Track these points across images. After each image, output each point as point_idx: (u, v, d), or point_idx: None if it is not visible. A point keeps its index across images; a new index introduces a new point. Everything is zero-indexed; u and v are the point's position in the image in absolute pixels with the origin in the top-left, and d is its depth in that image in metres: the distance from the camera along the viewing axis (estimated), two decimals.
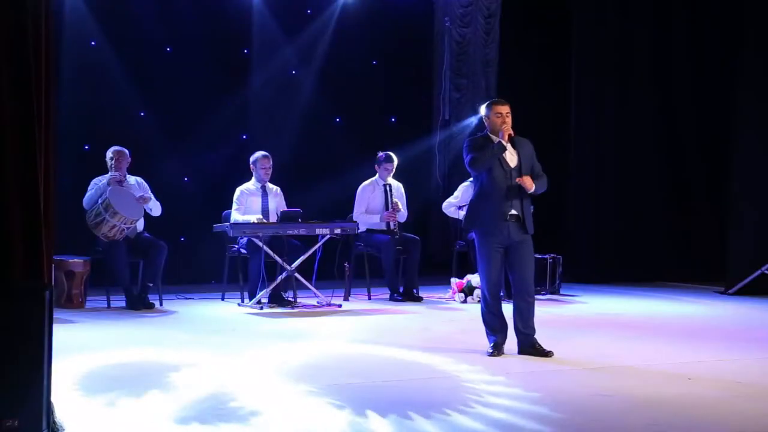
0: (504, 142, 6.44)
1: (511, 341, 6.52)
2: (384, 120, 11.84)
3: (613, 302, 9.63)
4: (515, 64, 12.54)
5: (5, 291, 3.97)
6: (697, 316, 8.87)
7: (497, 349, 6.44)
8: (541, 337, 6.67)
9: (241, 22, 10.99)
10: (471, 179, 10.02)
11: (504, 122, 6.49)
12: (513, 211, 6.43)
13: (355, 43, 11.59)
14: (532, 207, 6.63)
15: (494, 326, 6.51)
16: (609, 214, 11.81)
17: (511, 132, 6.49)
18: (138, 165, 8.92)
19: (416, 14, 12.23)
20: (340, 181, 11.08)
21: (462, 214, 9.88)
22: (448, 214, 10.16)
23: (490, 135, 6.54)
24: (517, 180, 6.42)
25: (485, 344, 6.65)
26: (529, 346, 6.45)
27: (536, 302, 8.37)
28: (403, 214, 9.79)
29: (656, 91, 12.05)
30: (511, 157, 6.48)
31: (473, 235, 6.64)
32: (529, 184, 6.43)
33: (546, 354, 6.39)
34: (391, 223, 9.72)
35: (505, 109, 6.54)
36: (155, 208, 8.79)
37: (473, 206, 6.60)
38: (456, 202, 10.00)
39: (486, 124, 6.60)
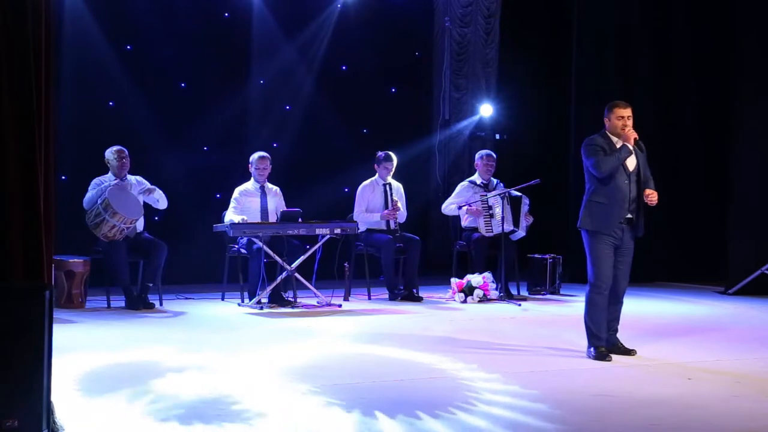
0: (630, 146, 6.38)
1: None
2: (384, 120, 11.83)
3: None
4: (515, 64, 12.55)
5: (5, 291, 3.97)
6: (697, 316, 8.87)
7: (608, 354, 6.37)
8: (541, 337, 6.68)
9: (241, 22, 10.99)
10: (469, 180, 10.15)
11: (626, 125, 6.42)
12: (629, 215, 6.42)
13: (355, 43, 11.59)
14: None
15: (602, 326, 6.40)
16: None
17: (636, 136, 6.42)
18: (138, 165, 8.92)
19: (416, 14, 12.23)
20: (340, 181, 11.09)
21: (465, 209, 9.90)
22: (448, 213, 10.15)
23: (609, 135, 6.48)
24: (647, 192, 6.39)
25: (484, 344, 6.66)
26: (611, 345, 6.47)
27: (536, 302, 8.40)
28: (402, 214, 9.79)
29: (657, 91, 12.04)
30: (631, 161, 6.43)
31: (587, 234, 6.45)
32: (655, 199, 6.41)
33: (629, 353, 6.44)
34: (392, 222, 9.72)
35: (627, 113, 6.46)
36: (162, 200, 8.80)
37: (590, 206, 6.46)
38: (455, 201, 10.00)
39: (605, 124, 6.52)
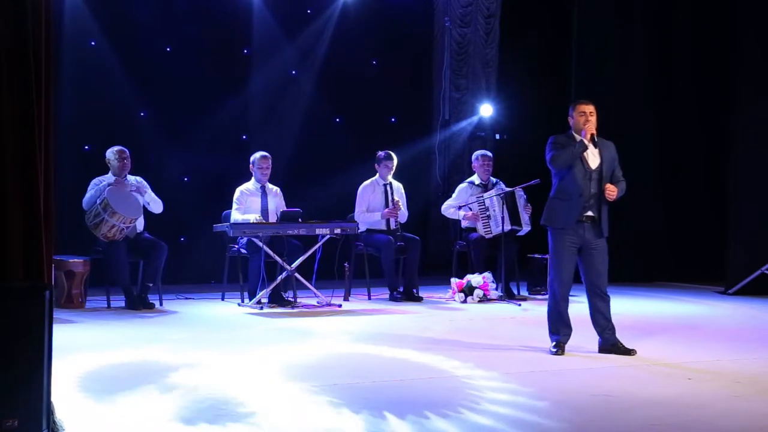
0: (586, 141, 6.41)
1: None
2: (384, 120, 11.83)
3: (614, 302, 9.52)
4: (515, 64, 12.55)
5: (5, 291, 3.97)
6: (697, 316, 8.86)
7: (560, 348, 6.44)
8: (541, 337, 6.67)
9: (241, 22, 10.99)
10: (468, 181, 10.14)
11: (587, 121, 6.44)
12: (589, 213, 6.42)
13: (355, 43, 11.59)
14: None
15: (558, 325, 6.48)
16: (608, 214, 11.79)
17: (594, 131, 6.44)
18: (138, 165, 8.92)
19: (416, 14, 12.23)
20: (340, 181, 11.09)
21: (462, 214, 9.90)
22: (448, 216, 10.13)
23: (573, 134, 6.50)
24: (606, 187, 6.39)
25: (484, 344, 6.64)
26: (611, 346, 6.47)
27: (536, 302, 8.35)
28: (403, 213, 9.79)
29: (656, 91, 12.04)
30: (593, 158, 6.44)
31: (549, 232, 6.54)
32: (614, 194, 6.40)
33: (628, 352, 6.40)
34: (392, 222, 9.71)
35: (588, 108, 6.50)
36: (154, 204, 8.77)
37: (551, 204, 6.54)
38: (454, 204, 9.98)
39: (570, 123, 6.57)
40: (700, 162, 12.20)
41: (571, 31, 11.90)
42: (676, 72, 12.16)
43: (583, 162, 6.42)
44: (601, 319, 6.50)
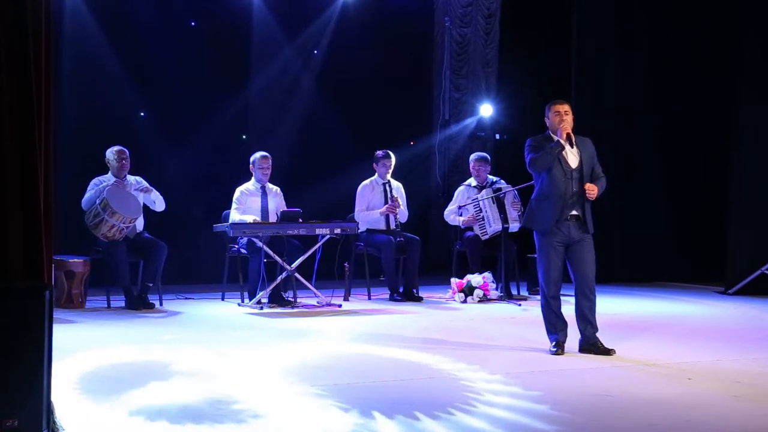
0: (563, 141, 6.41)
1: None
2: (384, 119, 11.84)
3: (613, 302, 9.62)
4: (515, 64, 12.56)
5: (5, 291, 3.96)
6: (697, 316, 8.86)
7: (560, 348, 6.43)
8: (540, 337, 6.67)
9: (241, 22, 11.00)
10: (465, 183, 10.13)
11: (562, 120, 6.44)
12: (574, 212, 6.41)
13: (355, 43, 11.59)
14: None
15: (554, 323, 6.48)
16: (608, 214, 11.77)
17: (569, 130, 6.44)
18: (138, 165, 8.93)
19: (416, 14, 12.25)
20: (340, 180, 11.09)
21: (461, 220, 9.89)
22: (450, 222, 10.09)
23: (551, 134, 6.50)
24: (586, 186, 6.38)
25: (484, 344, 6.63)
26: (591, 345, 6.44)
27: (536, 302, 8.34)
28: (403, 212, 9.78)
29: (657, 92, 12.04)
30: (572, 158, 6.43)
31: (534, 233, 6.54)
32: (593, 193, 6.40)
33: (607, 352, 6.37)
34: (392, 221, 9.71)
35: (563, 108, 6.50)
36: (158, 202, 8.79)
37: (532, 206, 6.54)
38: (455, 208, 9.95)
39: (547, 123, 6.56)
40: (700, 162, 12.20)
41: (571, 31, 11.90)
42: (676, 72, 12.16)
43: (562, 162, 6.41)
44: (584, 317, 6.46)
